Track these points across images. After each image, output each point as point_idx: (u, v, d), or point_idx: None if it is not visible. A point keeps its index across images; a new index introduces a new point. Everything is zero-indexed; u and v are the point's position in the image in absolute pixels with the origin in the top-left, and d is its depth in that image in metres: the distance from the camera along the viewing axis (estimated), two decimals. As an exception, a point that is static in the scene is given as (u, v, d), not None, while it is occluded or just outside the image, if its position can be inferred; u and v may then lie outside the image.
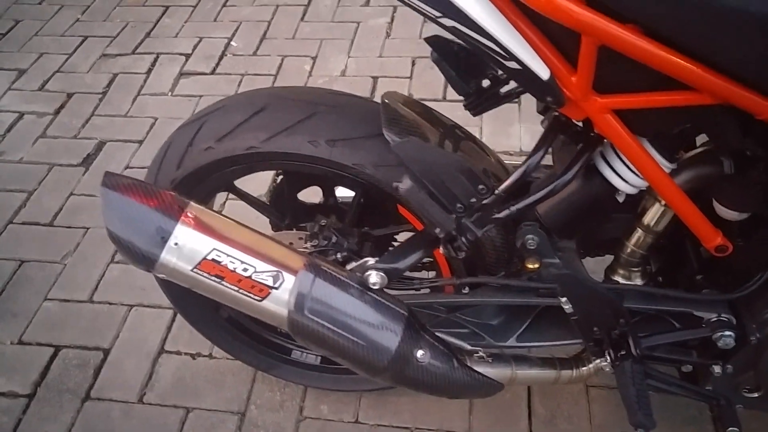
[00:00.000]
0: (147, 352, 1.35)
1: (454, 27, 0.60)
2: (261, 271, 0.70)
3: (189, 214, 0.69)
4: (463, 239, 0.75)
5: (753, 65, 0.56)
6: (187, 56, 2.17)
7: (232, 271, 0.69)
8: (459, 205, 0.75)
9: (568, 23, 0.56)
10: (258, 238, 0.74)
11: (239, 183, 1.00)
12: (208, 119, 0.89)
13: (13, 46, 2.29)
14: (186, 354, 1.35)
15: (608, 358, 0.82)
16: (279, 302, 0.71)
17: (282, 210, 1.06)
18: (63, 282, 1.51)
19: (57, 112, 2.00)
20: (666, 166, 0.71)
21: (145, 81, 2.08)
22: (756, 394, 0.88)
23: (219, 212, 0.75)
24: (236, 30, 2.26)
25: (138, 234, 0.68)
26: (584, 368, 0.90)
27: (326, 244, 0.89)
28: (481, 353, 0.84)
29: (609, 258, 0.94)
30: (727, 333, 0.80)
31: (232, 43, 2.21)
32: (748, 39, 0.54)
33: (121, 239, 0.68)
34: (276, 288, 0.70)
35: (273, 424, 1.22)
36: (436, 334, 0.80)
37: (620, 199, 0.77)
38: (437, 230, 0.76)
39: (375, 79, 1.96)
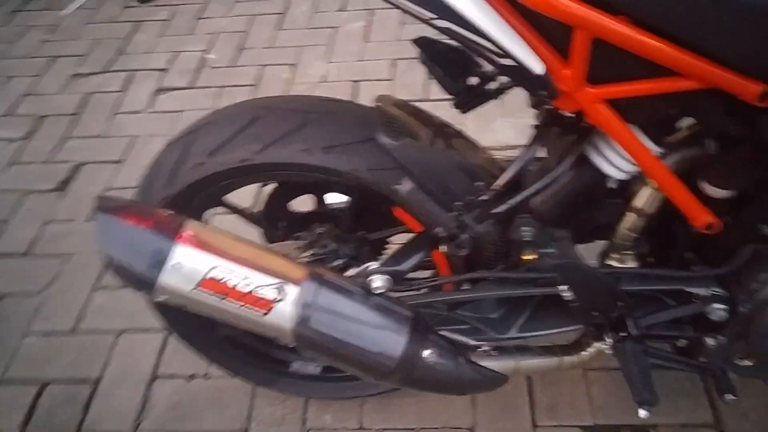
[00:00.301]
0: (139, 379, 1.31)
1: (447, 28, 0.61)
2: (263, 284, 0.69)
3: (186, 233, 0.68)
4: (464, 236, 0.76)
5: (737, 49, 0.59)
6: (163, 71, 2.14)
7: (233, 287, 0.68)
8: (459, 203, 0.76)
9: (562, 18, 0.58)
10: (258, 251, 0.73)
11: (229, 195, 0.99)
12: (198, 134, 0.88)
13: (-22, 71, 2.24)
14: (181, 377, 1.31)
15: (609, 340, 0.84)
16: (283, 315, 0.70)
17: (275, 221, 1.06)
18: (44, 314, 1.45)
19: (28, 136, 1.95)
20: (655, 150, 0.74)
21: (120, 99, 2.05)
22: (748, 363, 0.92)
23: (216, 228, 0.74)
24: (212, 42, 2.24)
25: (135, 257, 0.66)
26: (585, 353, 0.91)
27: (324, 252, 0.89)
28: (484, 347, 0.85)
29: (599, 245, 0.96)
30: (720, 306, 0.83)
31: (209, 55, 2.19)
32: (731, 24, 0.57)
33: (118, 264, 0.66)
34: (280, 300, 0.69)
35: (277, 439, 1.20)
36: (441, 332, 0.81)
37: (611, 185, 0.80)
38: (439, 230, 0.77)
39: (356, 83, 1.97)
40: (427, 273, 1.04)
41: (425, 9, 0.61)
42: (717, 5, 0.55)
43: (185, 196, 0.89)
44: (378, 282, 0.76)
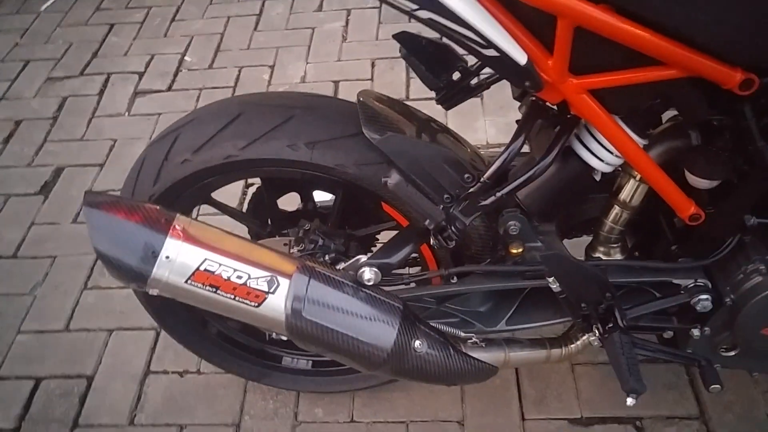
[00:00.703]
0: (133, 375, 1.32)
1: (430, 19, 0.61)
2: (255, 277, 0.69)
3: (177, 227, 0.68)
4: (453, 229, 0.77)
5: (717, 36, 0.60)
6: (141, 74, 2.11)
7: (226, 279, 0.68)
8: (446, 196, 0.76)
9: (544, 7, 0.59)
10: (249, 245, 0.73)
11: (215, 195, 0.98)
12: (182, 132, 0.87)
13: (-49, 77, 2.18)
14: (173, 372, 1.32)
15: (597, 331, 0.86)
16: (276, 307, 0.71)
17: (262, 218, 1.05)
18: (35, 313, 1.46)
19: (6, 140, 1.92)
20: (639, 141, 0.75)
21: (98, 102, 2.02)
22: (733, 353, 0.93)
23: (206, 223, 0.74)
24: (189, 44, 2.22)
25: (127, 251, 0.66)
26: (573, 345, 0.93)
27: (313, 248, 0.89)
28: (474, 339, 0.86)
29: (584, 241, 0.98)
30: (704, 297, 0.84)
31: (186, 58, 2.17)
32: (711, 10, 0.58)
33: (111, 258, 0.66)
34: (272, 293, 0.70)
35: (269, 432, 1.21)
36: (431, 324, 0.81)
37: (597, 178, 0.81)
38: (427, 222, 0.78)
39: (336, 83, 1.97)
40: (415, 269, 1.04)
41: (409, 0, 0.61)
42: None
43: (172, 193, 0.89)
44: (368, 274, 0.76)
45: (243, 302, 0.70)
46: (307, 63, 2.07)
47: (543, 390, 1.23)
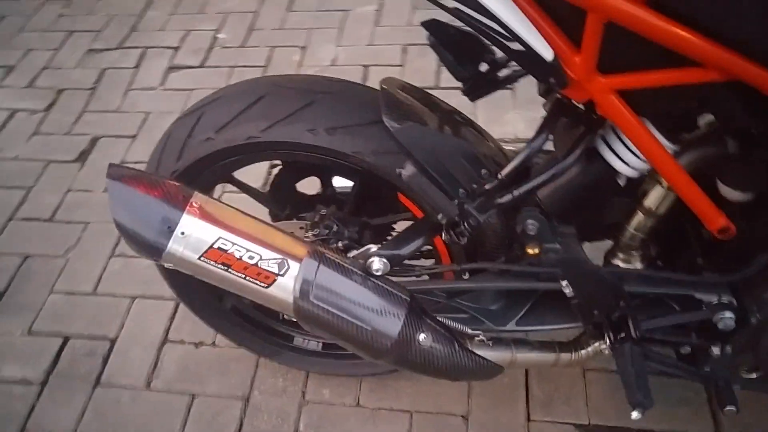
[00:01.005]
0: (151, 342, 1.37)
1: (456, 8, 0.60)
2: (266, 258, 0.70)
3: (194, 204, 0.69)
4: (466, 225, 0.76)
5: (764, 39, 0.55)
6: (175, 49, 2.15)
7: (238, 259, 0.69)
8: (462, 191, 0.75)
9: (574, 0, 0.56)
10: (262, 227, 0.74)
11: (237, 174, 1.00)
12: (207, 110, 0.88)
13: (-1, 44, 2.26)
14: (189, 343, 1.37)
15: (608, 340, 0.83)
16: (285, 289, 0.72)
17: (281, 200, 1.06)
18: (67, 275, 1.53)
19: (48, 108, 1.99)
20: (669, 147, 0.71)
21: (134, 76, 2.06)
22: (754, 375, 0.90)
23: (223, 202, 0.75)
24: (223, 22, 2.24)
25: (145, 224, 0.68)
26: (583, 351, 0.91)
27: (327, 233, 0.89)
28: (481, 336, 0.85)
29: (607, 243, 0.95)
30: (728, 315, 0.80)
31: (220, 35, 2.19)
32: (759, 11, 0.53)
33: (129, 230, 0.68)
34: (282, 275, 0.71)
35: (276, 408, 1.24)
36: (438, 318, 0.81)
37: (621, 182, 0.78)
38: (440, 216, 0.77)
39: (366, 67, 1.95)
40: (429, 261, 1.04)
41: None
42: None
43: (194, 170, 0.90)
44: (377, 264, 0.76)
45: (253, 282, 0.71)
46: (339, 46, 2.06)
47: (551, 392, 1.21)
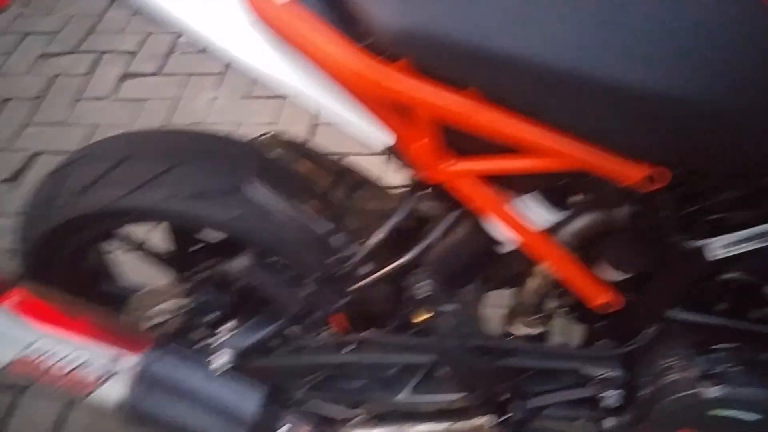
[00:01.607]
0: None
1: None
2: (87, 363, 0.64)
3: (11, 298, 0.64)
4: (318, 315, 0.69)
5: (618, 132, 0.49)
6: (132, 54, 2.07)
7: (50, 366, 0.63)
8: (314, 276, 0.68)
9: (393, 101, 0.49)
10: (93, 324, 0.67)
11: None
12: (73, 168, 0.84)
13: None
14: None
15: (492, 419, 0.78)
16: (110, 392, 0.66)
17: (179, 256, 0.99)
18: None
19: (-9, 120, 1.92)
20: (547, 221, 0.65)
21: (85, 84, 1.99)
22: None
23: (56, 293, 0.69)
24: (184, 25, 2.15)
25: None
26: (467, 423, 0.85)
27: (200, 304, 0.82)
28: (362, 416, 0.79)
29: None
30: (614, 392, 0.76)
31: (182, 38, 2.10)
32: (606, 107, 0.47)
33: None
34: (107, 378, 0.65)
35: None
36: (303, 406, 0.75)
37: (500, 251, 0.71)
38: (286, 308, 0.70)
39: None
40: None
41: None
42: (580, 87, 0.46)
43: (67, 229, 0.85)
44: (221, 359, 0.70)
45: (74, 387, 0.65)
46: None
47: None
